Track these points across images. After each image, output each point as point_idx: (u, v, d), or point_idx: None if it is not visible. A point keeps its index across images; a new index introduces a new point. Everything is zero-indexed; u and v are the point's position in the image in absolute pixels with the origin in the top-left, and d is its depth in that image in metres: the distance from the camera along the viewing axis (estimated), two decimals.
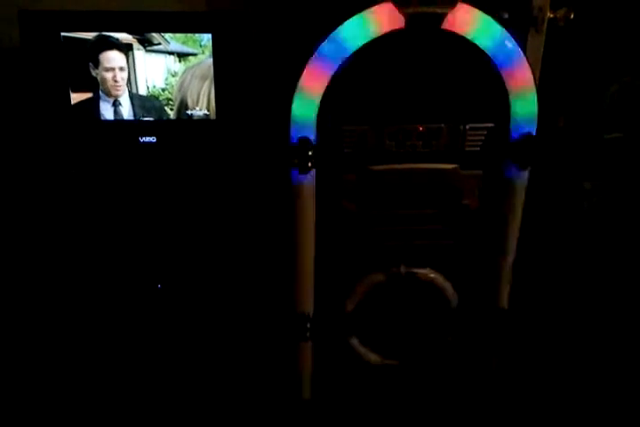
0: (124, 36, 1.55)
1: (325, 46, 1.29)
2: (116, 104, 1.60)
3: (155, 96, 1.60)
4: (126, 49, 1.55)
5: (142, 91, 1.59)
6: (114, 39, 1.54)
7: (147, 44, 1.56)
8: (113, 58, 1.55)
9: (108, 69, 1.56)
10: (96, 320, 1.72)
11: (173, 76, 1.59)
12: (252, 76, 1.63)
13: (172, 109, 1.61)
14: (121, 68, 1.57)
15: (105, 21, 1.52)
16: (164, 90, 1.60)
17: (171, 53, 1.58)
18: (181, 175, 1.67)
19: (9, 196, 1.73)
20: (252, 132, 1.66)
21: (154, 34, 1.55)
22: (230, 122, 1.63)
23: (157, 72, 1.58)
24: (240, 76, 1.60)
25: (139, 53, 1.56)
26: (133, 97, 1.60)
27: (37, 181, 1.68)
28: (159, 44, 1.56)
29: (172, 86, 1.59)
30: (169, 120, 1.62)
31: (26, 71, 1.55)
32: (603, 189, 1.84)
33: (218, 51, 1.56)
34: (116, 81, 1.57)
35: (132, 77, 1.58)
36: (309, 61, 1.29)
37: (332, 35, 1.28)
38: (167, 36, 1.55)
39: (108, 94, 1.59)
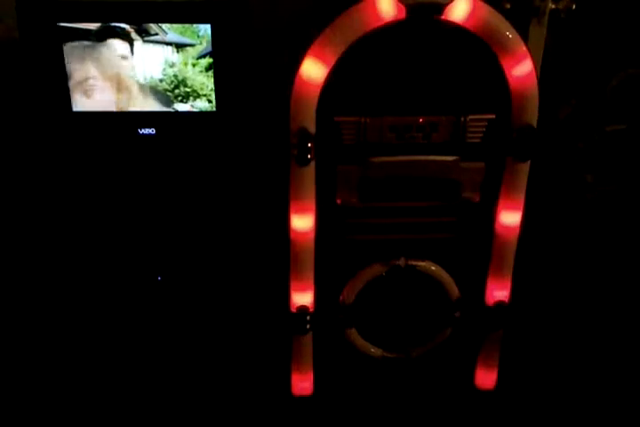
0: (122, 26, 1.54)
1: (325, 37, 1.27)
2: None
3: (152, 87, 1.59)
4: (129, 38, 1.54)
5: (141, 81, 1.59)
6: (117, 28, 1.52)
7: (144, 34, 1.55)
8: (115, 46, 1.54)
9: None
10: (96, 312, 1.72)
11: (171, 66, 1.58)
12: (251, 67, 1.62)
13: (178, 102, 1.61)
14: (123, 57, 1.55)
15: (103, 11, 1.51)
16: (161, 80, 1.59)
17: (168, 44, 1.56)
18: (181, 167, 1.66)
19: (7, 188, 1.73)
20: (252, 124, 1.65)
21: (151, 24, 1.54)
22: (230, 113, 1.63)
23: (155, 63, 1.57)
24: (240, 66, 1.59)
25: (136, 44, 1.55)
26: (142, 88, 1.60)
27: (35, 173, 1.68)
28: (156, 34, 1.55)
29: (170, 77, 1.59)
30: (168, 112, 1.61)
31: (23, 63, 1.55)
32: (605, 181, 1.83)
33: (217, 41, 1.55)
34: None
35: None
36: (308, 52, 1.29)
37: (332, 25, 1.27)
38: (165, 26, 1.54)
39: None
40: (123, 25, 1.52)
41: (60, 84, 1.55)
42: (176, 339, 1.74)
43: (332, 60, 1.29)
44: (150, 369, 1.71)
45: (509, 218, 1.46)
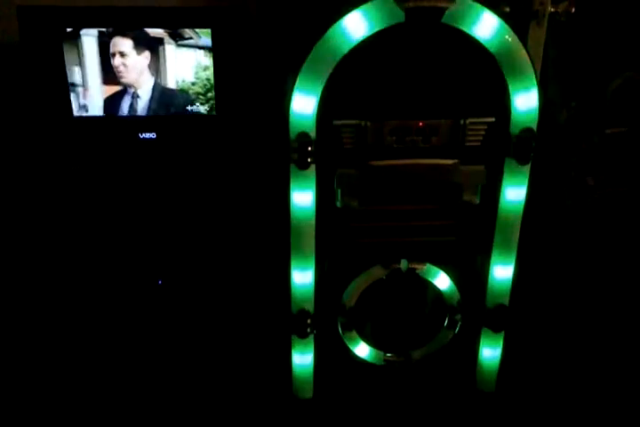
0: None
1: (325, 41, 1.28)
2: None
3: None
4: (136, 35, 1.54)
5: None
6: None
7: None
8: (115, 43, 1.54)
9: (111, 55, 1.55)
10: (97, 316, 1.72)
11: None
12: (251, 71, 1.63)
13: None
14: (121, 54, 1.55)
15: (103, 17, 1.52)
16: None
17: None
18: (181, 171, 1.67)
19: (9, 192, 1.74)
20: (253, 128, 1.66)
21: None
22: (230, 117, 1.63)
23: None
24: (240, 71, 1.60)
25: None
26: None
27: (37, 178, 1.68)
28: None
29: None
30: (169, 116, 1.61)
31: (24, 68, 1.55)
32: (605, 184, 1.83)
33: (217, 46, 1.56)
34: (116, 66, 1.56)
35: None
36: (309, 56, 1.29)
37: (332, 29, 1.27)
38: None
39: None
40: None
41: (60, 89, 1.55)
42: (177, 343, 1.74)
43: (333, 64, 1.29)
44: (152, 372, 1.71)
45: (510, 221, 1.46)
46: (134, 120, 1.61)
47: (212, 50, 1.56)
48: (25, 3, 1.50)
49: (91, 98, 1.58)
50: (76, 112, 1.59)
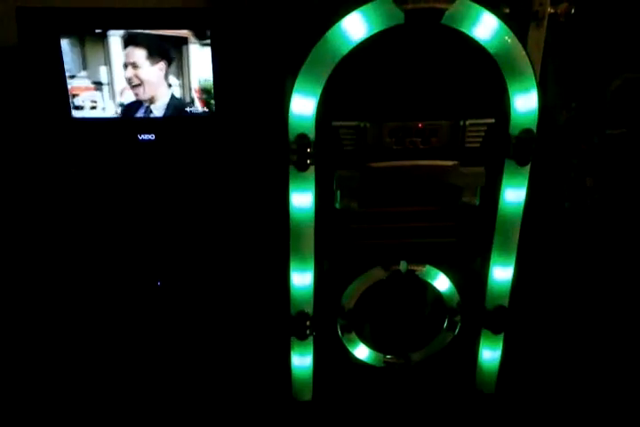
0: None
1: (324, 42, 1.27)
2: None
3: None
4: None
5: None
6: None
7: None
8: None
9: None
10: (96, 318, 1.72)
11: None
12: (251, 72, 1.63)
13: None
14: (134, 65, 1.54)
15: (102, 18, 1.52)
16: None
17: None
18: (181, 172, 1.66)
19: (9, 194, 1.73)
20: (252, 129, 1.66)
21: None
22: (230, 118, 1.63)
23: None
24: (239, 71, 1.60)
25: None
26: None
27: (37, 180, 1.68)
28: None
29: None
30: (167, 117, 1.61)
31: (23, 70, 1.55)
32: (604, 185, 1.83)
33: (216, 47, 1.55)
34: (128, 78, 1.54)
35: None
36: (308, 57, 1.28)
37: (331, 30, 1.27)
38: None
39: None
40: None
41: (58, 91, 1.55)
42: (176, 344, 1.74)
43: (332, 65, 1.29)
44: (151, 373, 1.70)
45: (509, 222, 1.46)
46: (133, 122, 1.61)
47: (212, 51, 1.56)
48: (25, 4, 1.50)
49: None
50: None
